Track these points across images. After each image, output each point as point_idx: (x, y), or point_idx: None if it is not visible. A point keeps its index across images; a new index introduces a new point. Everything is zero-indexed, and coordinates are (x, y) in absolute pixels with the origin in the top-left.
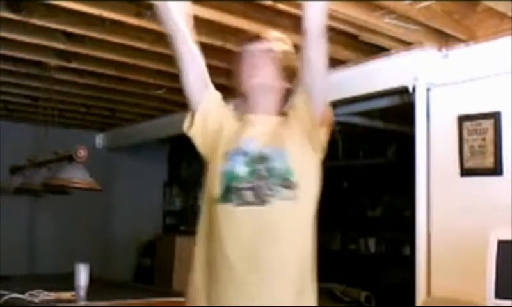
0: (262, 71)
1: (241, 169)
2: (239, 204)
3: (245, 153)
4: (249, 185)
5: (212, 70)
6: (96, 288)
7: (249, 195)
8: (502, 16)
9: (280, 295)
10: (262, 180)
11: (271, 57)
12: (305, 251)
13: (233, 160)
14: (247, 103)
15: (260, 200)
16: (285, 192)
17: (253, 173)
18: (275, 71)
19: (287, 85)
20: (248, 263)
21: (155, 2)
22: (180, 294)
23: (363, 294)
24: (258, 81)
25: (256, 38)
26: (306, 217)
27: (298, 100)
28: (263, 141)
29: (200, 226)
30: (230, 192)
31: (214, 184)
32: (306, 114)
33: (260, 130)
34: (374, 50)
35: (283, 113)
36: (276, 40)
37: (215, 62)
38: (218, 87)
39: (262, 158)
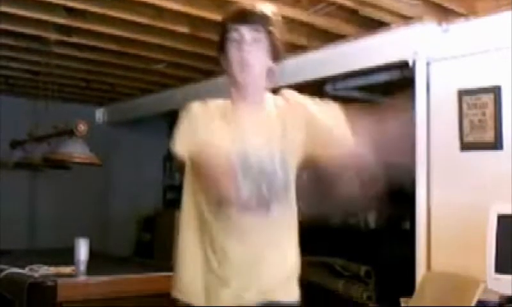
0: (255, 66)
1: (245, 184)
2: (239, 212)
3: (242, 164)
4: (249, 194)
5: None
6: (96, 262)
7: (251, 206)
8: None
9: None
10: (264, 196)
11: (263, 45)
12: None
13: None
14: (238, 92)
15: (264, 207)
16: (283, 197)
17: (252, 183)
18: (266, 57)
19: (274, 64)
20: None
21: None
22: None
23: (363, 269)
24: (252, 78)
25: (244, 15)
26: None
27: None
28: (258, 144)
29: (186, 219)
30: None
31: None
32: (307, 141)
33: (254, 130)
34: (374, 25)
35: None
36: (266, 18)
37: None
38: (210, 58)
39: (260, 170)
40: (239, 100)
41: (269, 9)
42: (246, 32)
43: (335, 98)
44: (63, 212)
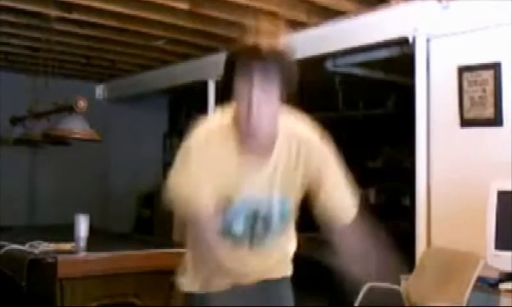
0: (268, 115)
1: (239, 228)
2: (233, 243)
3: (243, 210)
4: (245, 239)
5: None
6: (96, 239)
7: (244, 243)
8: None
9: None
10: (259, 236)
11: (275, 89)
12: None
13: (231, 217)
14: (246, 140)
15: (256, 245)
16: (280, 232)
17: (251, 230)
18: (279, 98)
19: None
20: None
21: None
22: (180, 245)
23: None
24: (265, 129)
25: (254, 54)
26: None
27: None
28: (260, 190)
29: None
30: (224, 235)
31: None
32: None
33: (254, 178)
34: (375, 2)
35: None
36: (279, 56)
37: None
38: (210, 35)
39: (259, 217)
40: (244, 145)
41: (281, 39)
42: (257, 76)
43: (335, 75)
44: (63, 188)
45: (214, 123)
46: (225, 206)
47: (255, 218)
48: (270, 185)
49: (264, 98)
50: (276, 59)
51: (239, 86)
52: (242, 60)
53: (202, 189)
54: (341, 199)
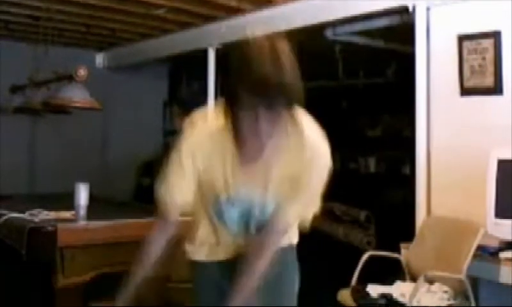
0: (268, 134)
1: (233, 227)
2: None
3: (236, 205)
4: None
5: None
6: (96, 207)
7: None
8: None
9: None
10: (253, 232)
11: (277, 119)
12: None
13: (224, 210)
14: (242, 147)
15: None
16: None
17: (245, 229)
18: (279, 123)
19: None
20: None
21: None
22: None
23: (363, 213)
24: (266, 143)
25: (260, 89)
26: None
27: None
28: (253, 189)
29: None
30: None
31: (208, 201)
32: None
33: (247, 177)
34: None
35: None
36: (286, 90)
37: None
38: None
39: (252, 216)
40: (238, 148)
41: (288, 67)
42: (261, 110)
43: (335, 44)
44: (63, 157)
45: (208, 122)
46: (216, 204)
47: (249, 217)
48: (263, 184)
49: (266, 127)
50: (282, 91)
51: (240, 112)
52: (247, 93)
53: (174, 187)
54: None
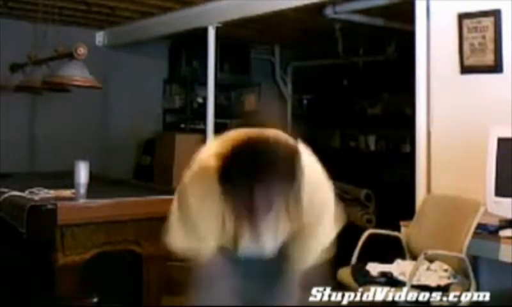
0: (274, 208)
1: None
2: None
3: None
4: None
5: None
6: (97, 185)
7: None
8: None
9: None
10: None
11: (278, 196)
12: None
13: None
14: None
15: None
16: None
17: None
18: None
19: None
20: None
21: None
22: None
23: (363, 192)
24: (272, 217)
25: (257, 170)
26: None
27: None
28: (260, 240)
29: None
30: None
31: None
32: None
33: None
34: None
35: None
36: (286, 171)
37: None
38: None
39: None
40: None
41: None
42: (259, 199)
43: (336, 22)
44: (63, 135)
45: (210, 169)
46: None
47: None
48: (272, 233)
49: (264, 210)
50: (280, 176)
51: (236, 198)
52: (243, 179)
53: (203, 243)
54: None
